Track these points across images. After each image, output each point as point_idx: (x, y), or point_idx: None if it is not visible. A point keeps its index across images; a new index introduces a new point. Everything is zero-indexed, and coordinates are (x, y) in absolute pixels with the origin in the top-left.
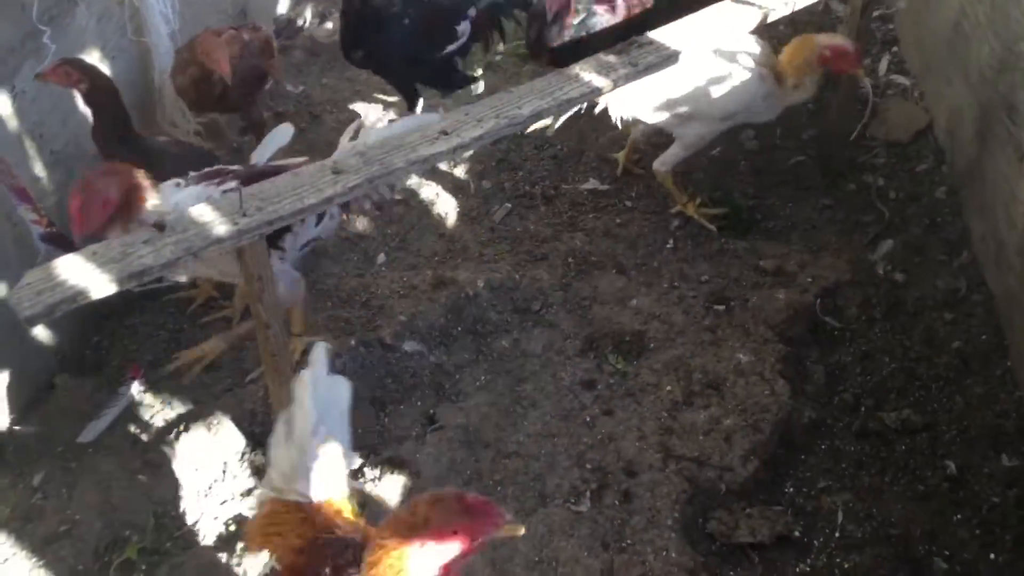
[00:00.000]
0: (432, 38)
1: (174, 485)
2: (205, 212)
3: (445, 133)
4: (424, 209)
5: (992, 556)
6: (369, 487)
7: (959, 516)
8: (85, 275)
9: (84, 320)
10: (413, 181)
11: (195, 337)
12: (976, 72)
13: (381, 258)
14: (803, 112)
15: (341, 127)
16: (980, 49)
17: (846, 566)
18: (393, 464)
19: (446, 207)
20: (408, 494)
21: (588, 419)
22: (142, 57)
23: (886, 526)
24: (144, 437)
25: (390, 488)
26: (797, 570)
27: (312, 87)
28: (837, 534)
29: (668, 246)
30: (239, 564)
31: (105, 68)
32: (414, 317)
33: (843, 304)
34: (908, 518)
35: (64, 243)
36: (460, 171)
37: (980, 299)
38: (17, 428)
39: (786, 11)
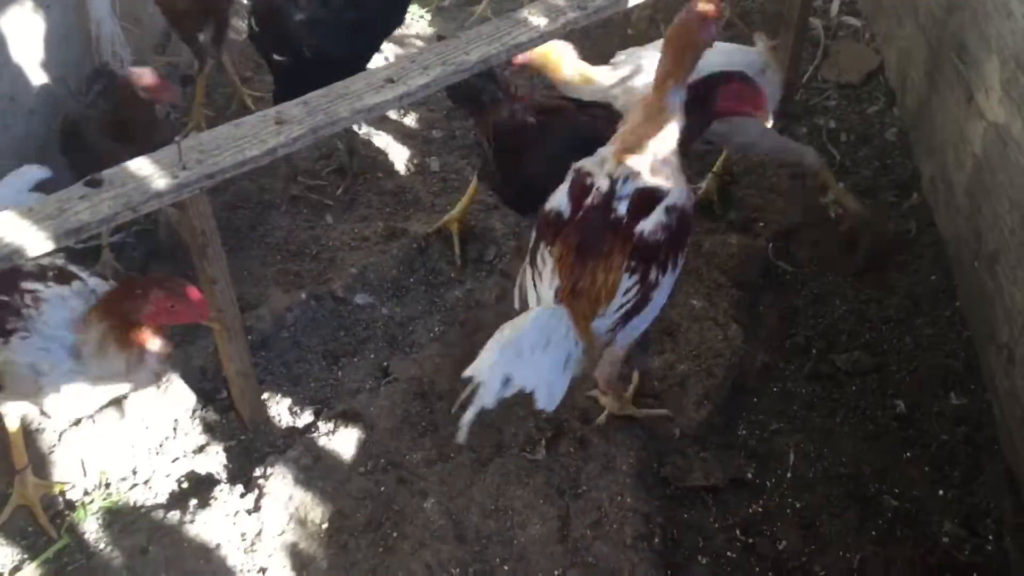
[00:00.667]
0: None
1: (124, 443)
2: (143, 165)
3: (391, 81)
4: (374, 159)
5: (941, 492)
6: (323, 440)
7: (909, 454)
8: (21, 233)
9: None
10: (363, 131)
11: None
12: (926, 12)
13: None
14: None
15: None
16: None
17: (798, 506)
18: (347, 417)
19: (396, 157)
20: (362, 447)
21: None
22: (78, 6)
23: (837, 466)
24: None
25: (344, 441)
26: (750, 511)
27: None
28: (789, 475)
29: None
30: (192, 521)
31: (39, 17)
32: (366, 269)
33: (795, 248)
34: (859, 457)
35: None
36: (410, 120)
37: (929, 240)
38: None
39: None
